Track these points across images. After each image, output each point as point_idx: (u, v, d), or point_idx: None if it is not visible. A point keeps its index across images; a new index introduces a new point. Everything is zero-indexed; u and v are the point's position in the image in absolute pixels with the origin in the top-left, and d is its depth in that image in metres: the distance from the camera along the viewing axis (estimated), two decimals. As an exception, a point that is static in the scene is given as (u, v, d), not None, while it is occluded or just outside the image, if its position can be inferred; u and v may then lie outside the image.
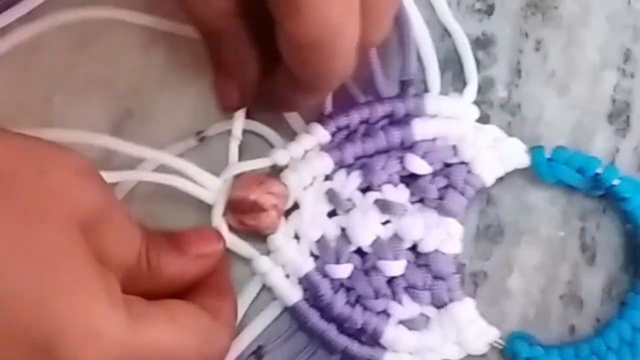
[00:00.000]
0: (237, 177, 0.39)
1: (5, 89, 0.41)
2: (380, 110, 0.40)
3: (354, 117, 0.40)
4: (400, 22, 0.41)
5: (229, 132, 0.40)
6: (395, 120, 0.40)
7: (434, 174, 0.40)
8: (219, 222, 0.38)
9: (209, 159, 0.40)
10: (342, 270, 0.38)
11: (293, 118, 0.40)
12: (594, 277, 0.40)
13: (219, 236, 0.38)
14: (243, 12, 0.35)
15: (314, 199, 0.39)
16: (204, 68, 0.39)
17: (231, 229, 0.39)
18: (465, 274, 0.40)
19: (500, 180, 0.40)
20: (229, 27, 0.36)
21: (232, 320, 0.37)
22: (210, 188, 0.38)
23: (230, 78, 0.37)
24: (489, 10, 0.42)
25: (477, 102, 0.41)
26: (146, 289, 0.33)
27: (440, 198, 0.39)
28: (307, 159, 0.39)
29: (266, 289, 0.39)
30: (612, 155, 0.41)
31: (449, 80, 0.41)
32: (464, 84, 0.41)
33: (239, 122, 0.39)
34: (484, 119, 0.41)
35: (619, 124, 0.41)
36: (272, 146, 0.40)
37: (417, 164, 0.39)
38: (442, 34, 0.42)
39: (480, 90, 0.41)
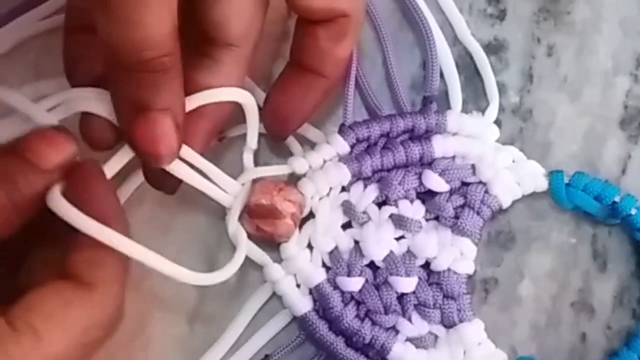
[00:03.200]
0: (255, 181, 0.38)
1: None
2: (402, 124, 0.39)
3: (375, 130, 0.39)
4: (424, 39, 0.40)
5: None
6: (416, 136, 0.39)
7: (451, 192, 0.39)
8: (236, 225, 0.37)
9: (226, 159, 0.39)
10: (354, 284, 0.38)
11: (312, 129, 0.40)
12: (605, 284, 0.39)
13: (69, 138, 0.33)
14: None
15: (329, 210, 0.39)
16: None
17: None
18: (476, 280, 0.40)
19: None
20: (174, 53, 0.32)
21: (113, 284, 0.31)
22: (229, 191, 0.37)
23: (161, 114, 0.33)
24: (501, 15, 0.41)
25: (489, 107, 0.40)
26: None
27: (456, 217, 0.39)
28: (325, 169, 0.38)
29: (275, 297, 0.39)
30: (624, 161, 0.40)
31: (461, 85, 0.40)
32: (475, 89, 0.41)
33: (253, 133, 0.38)
34: (495, 125, 0.40)
35: (631, 130, 0.40)
36: (290, 153, 0.40)
37: (435, 181, 0.39)
38: (454, 39, 0.41)
39: None
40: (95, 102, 0.34)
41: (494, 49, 0.41)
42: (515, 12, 0.41)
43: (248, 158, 0.39)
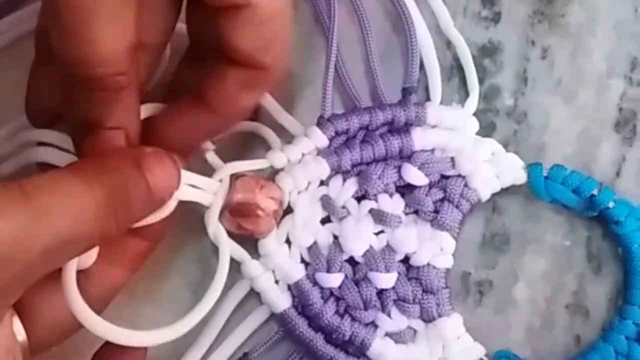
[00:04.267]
0: (232, 177, 0.37)
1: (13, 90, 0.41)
2: (381, 116, 0.39)
3: (354, 122, 0.38)
4: (405, 29, 0.40)
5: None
6: (395, 129, 0.39)
7: (430, 185, 0.39)
8: (216, 224, 0.36)
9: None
10: (333, 280, 0.38)
11: (291, 120, 0.39)
12: (599, 286, 0.39)
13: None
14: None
15: (308, 204, 0.38)
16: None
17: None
18: (471, 282, 0.39)
19: (506, 189, 0.39)
20: (129, 72, 0.31)
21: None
22: (206, 189, 0.36)
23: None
24: (496, 18, 0.41)
25: (483, 110, 0.40)
26: None
27: (436, 211, 0.38)
28: (303, 162, 0.38)
29: (253, 293, 0.38)
30: (619, 164, 0.40)
31: (455, 87, 0.40)
32: (468, 92, 0.40)
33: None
34: (490, 127, 0.40)
35: (626, 133, 0.40)
36: (269, 148, 0.39)
37: (414, 175, 0.38)
38: (449, 42, 0.41)
39: (486, 98, 0.40)
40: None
41: (488, 51, 0.41)
42: (509, 15, 0.41)
43: (211, 156, 0.38)
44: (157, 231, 0.34)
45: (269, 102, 0.39)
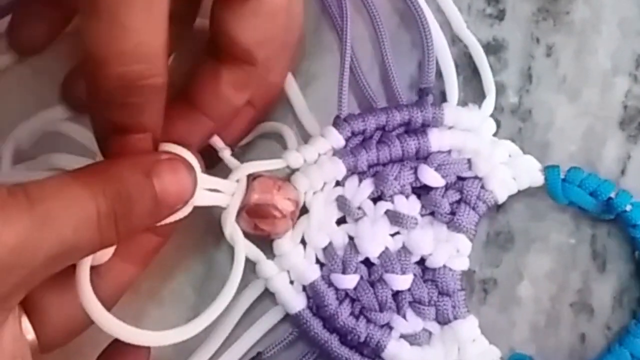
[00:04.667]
0: (249, 177, 0.36)
1: (14, 89, 0.40)
2: (398, 117, 0.38)
3: (371, 123, 0.38)
4: (414, 27, 0.40)
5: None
6: (412, 129, 0.39)
7: (447, 187, 0.38)
8: (233, 225, 0.36)
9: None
10: (349, 281, 0.37)
11: (309, 119, 0.39)
12: (604, 284, 0.39)
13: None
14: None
15: (323, 205, 0.38)
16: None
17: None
18: (475, 281, 0.39)
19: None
20: (164, 74, 0.30)
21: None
22: (224, 190, 0.35)
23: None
24: (500, 15, 0.41)
25: None
26: None
27: (452, 213, 0.38)
28: (319, 163, 0.38)
29: (268, 293, 0.38)
30: (624, 162, 0.40)
31: (460, 85, 0.40)
32: (474, 89, 0.40)
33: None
34: (494, 125, 0.40)
35: (631, 131, 0.40)
36: (282, 144, 0.39)
37: (431, 176, 0.38)
38: (453, 38, 0.40)
39: None
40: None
41: (492, 49, 0.41)
42: (514, 12, 0.41)
43: (226, 157, 0.37)
44: (168, 227, 0.33)
45: (294, 98, 0.39)
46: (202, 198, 0.34)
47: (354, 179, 0.38)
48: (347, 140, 0.38)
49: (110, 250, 0.33)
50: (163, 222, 0.32)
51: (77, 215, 0.28)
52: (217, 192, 0.35)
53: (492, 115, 0.40)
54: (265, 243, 0.38)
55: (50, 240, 0.27)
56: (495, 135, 0.40)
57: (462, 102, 0.40)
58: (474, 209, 0.38)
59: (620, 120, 0.40)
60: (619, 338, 0.38)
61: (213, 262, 0.39)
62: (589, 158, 0.40)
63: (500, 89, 0.40)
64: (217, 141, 0.37)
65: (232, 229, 0.36)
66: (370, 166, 0.38)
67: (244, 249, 0.36)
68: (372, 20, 0.40)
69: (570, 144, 0.40)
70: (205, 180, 0.34)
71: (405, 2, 0.40)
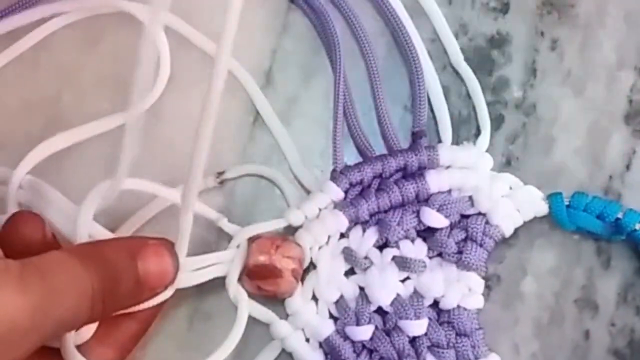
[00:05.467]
0: (251, 239, 0.37)
1: (14, 86, 0.40)
2: (394, 163, 0.38)
3: (367, 172, 0.38)
4: (412, 72, 0.39)
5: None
6: (409, 173, 0.38)
7: (451, 226, 0.38)
8: (236, 288, 0.37)
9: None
10: (364, 332, 0.37)
11: (305, 175, 0.39)
12: (609, 281, 0.39)
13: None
14: None
15: (330, 259, 0.37)
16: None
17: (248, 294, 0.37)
18: (479, 276, 0.40)
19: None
20: None
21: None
22: (222, 261, 0.36)
23: None
24: (504, 9, 0.40)
25: (491, 102, 0.39)
26: None
27: (459, 252, 0.38)
28: (321, 217, 0.37)
29: (285, 354, 0.38)
30: (629, 157, 0.39)
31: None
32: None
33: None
34: (498, 120, 0.39)
35: (636, 125, 0.39)
36: (281, 191, 0.39)
37: (434, 218, 0.38)
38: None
39: (494, 90, 0.40)
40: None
41: (497, 42, 0.40)
42: (518, 6, 0.40)
43: (225, 224, 0.38)
44: (149, 314, 0.35)
45: (288, 152, 0.40)
46: (190, 279, 0.36)
47: (358, 229, 0.38)
48: (346, 191, 0.38)
49: (91, 331, 0.34)
50: (144, 306, 0.34)
51: (78, 289, 0.30)
52: (213, 265, 0.36)
53: (495, 110, 0.40)
54: (278, 303, 0.38)
55: (58, 308, 0.29)
56: (499, 130, 0.39)
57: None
58: (481, 245, 0.38)
59: (625, 114, 0.40)
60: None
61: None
62: (593, 153, 0.40)
63: (504, 83, 0.40)
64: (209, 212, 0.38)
65: (236, 292, 0.37)
66: (371, 215, 0.38)
67: (247, 311, 0.37)
68: (365, 60, 0.40)
69: (575, 138, 0.40)
70: (199, 260, 0.36)
71: (393, 27, 0.40)
